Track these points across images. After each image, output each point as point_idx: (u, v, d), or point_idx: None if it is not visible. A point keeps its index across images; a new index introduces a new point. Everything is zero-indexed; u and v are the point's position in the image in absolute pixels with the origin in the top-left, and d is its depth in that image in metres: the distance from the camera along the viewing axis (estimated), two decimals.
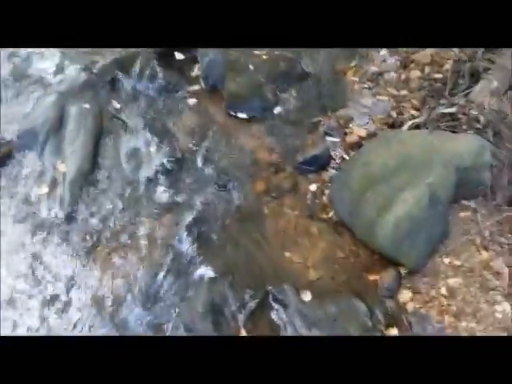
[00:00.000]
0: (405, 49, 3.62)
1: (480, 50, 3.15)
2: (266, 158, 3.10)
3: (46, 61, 3.61)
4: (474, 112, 2.67)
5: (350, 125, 3.15)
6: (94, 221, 2.80)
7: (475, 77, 3.08)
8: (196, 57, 3.65)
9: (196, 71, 3.60)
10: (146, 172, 3.01)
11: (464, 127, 2.69)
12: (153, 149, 3.13)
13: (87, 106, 3.31)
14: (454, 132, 2.69)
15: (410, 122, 2.94)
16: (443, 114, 2.79)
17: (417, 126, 2.92)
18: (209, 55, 3.51)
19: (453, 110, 2.77)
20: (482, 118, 2.64)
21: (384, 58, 3.61)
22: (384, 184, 2.47)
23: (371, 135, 3.03)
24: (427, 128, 2.86)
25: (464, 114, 2.70)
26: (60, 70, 3.55)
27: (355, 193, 2.57)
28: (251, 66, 3.47)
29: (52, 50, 3.66)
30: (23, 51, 3.63)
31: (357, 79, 3.50)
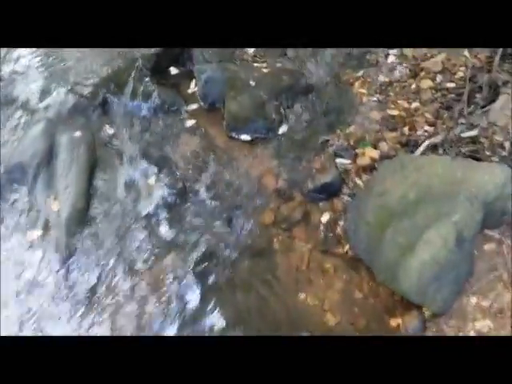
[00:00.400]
0: (413, 55, 3.41)
1: (496, 58, 2.94)
2: (273, 184, 2.91)
3: (30, 83, 3.38)
4: (498, 138, 2.48)
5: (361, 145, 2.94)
6: (93, 265, 2.63)
7: (492, 88, 2.88)
8: (192, 71, 3.42)
9: (193, 87, 3.38)
10: (145, 207, 2.82)
11: (487, 153, 2.49)
12: (152, 180, 2.93)
13: (78, 133, 3.09)
14: (475, 158, 2.50)
15: (427, 143, 2.74)
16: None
17: (434, 147, 2.72)
18: (206, 72, 3.28)
19: (474, 133, 2.57)
20: (507, 145, 2.45)
21: (392, 66, 3.38)
22: (405, 220, 2.29)
23: (384, 157, 2.84)
24: (445, 149, 2.67)
25: (486, 137, 2.51)
26: (46, 92, 3.32)
27: (373, 228, 2.39)
28: (252, 82, 3.24)
29: (36, 71, 3.44)
30: (5, 74, 3.40)
31: (365, 91, 3.28)
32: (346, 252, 2.57)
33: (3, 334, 2.29)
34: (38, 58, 3.54)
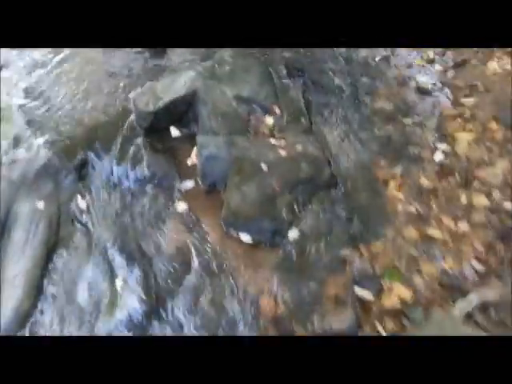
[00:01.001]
0: (467, 156, 2.76)
1: None
2: (271, 311, 2.28)
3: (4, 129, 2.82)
4: None
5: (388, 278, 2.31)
6: None
7: None
8: (195, 134, 2.83)
9: (193, 158, 2.77)
10: (104, 322, 2.21)
11: None
12: (118, 282, 2.32)
13: (41, 204, 2.51)
14: None
15: (475, 300, 2.09)
16: None
17: (484, 307, 2.08)
18: (209, 147, 2.66)
19: None
20: None
21: (440, 167, 2.74)
22: None
23: (418, 301, 2.20)
24: (500, 317, 2.03)
25: None
26: (17, 143, 2.75)
27: None
28: (264, 166, 2.62)
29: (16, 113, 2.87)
30: None
31: (402, 196, 2.64)
32: None
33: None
34: (21, 98, 2.99)
